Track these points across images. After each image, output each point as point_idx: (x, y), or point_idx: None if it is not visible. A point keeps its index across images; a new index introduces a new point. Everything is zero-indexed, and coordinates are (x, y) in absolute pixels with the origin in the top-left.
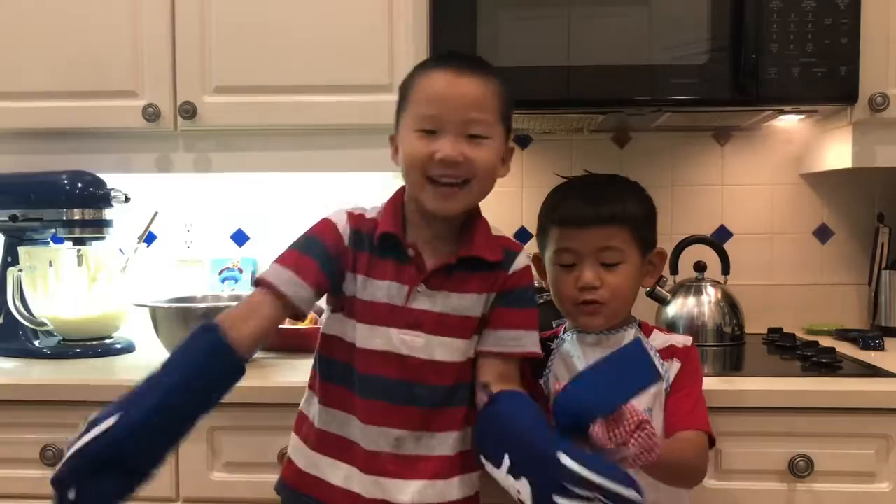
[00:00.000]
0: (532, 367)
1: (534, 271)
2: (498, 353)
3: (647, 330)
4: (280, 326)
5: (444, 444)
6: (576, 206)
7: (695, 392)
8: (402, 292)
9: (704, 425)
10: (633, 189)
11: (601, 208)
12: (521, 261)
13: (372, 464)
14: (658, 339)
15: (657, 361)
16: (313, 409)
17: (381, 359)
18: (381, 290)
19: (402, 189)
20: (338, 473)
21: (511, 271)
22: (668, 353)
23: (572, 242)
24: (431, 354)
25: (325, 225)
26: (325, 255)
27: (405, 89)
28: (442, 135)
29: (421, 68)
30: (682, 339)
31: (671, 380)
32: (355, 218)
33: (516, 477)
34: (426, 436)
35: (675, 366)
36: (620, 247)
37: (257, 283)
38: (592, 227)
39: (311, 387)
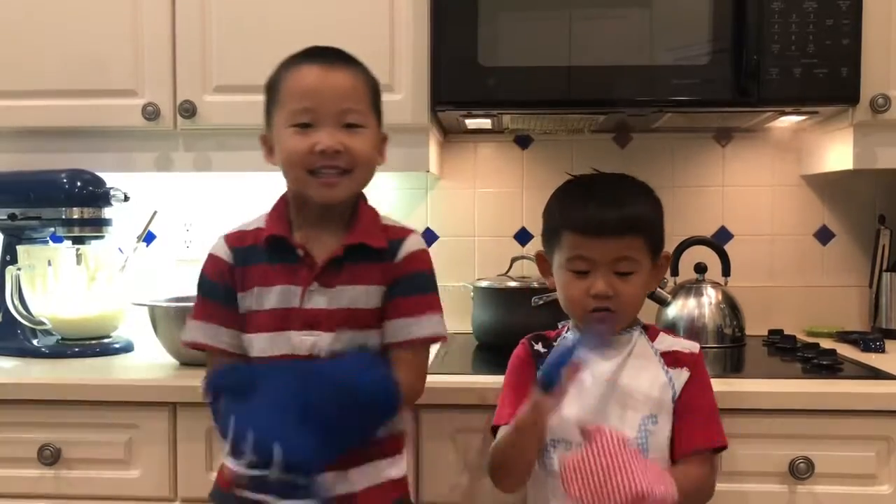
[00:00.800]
0: (533, 362)
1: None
2: (395, 344)
3: (653, 333)
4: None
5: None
6: (592, 213)
7: (707, 404)
8: (296, 294)
9: (719, 438)
10: (645, 192)
11: (619, 217)
12: (409, 245)
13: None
14: (664, 343)
15: (660, 366)
16: None
17: (281, 363)
18: (276, 296)
19: (283, 196)
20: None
21: (397, 259)
22: (674, 359)
23: (587, 251)
24: (333, 351)
25: (208, 259)
26: (221, 291)
27: (274, 86)
28: (318, 127)
29: (288, 64)
30: (688, 345)
31: (679, 389)
32: (232, 238)
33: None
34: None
35: (683, 374)
36: (635, 256)
37: (193, 346)
38: (610, 236)
39: None
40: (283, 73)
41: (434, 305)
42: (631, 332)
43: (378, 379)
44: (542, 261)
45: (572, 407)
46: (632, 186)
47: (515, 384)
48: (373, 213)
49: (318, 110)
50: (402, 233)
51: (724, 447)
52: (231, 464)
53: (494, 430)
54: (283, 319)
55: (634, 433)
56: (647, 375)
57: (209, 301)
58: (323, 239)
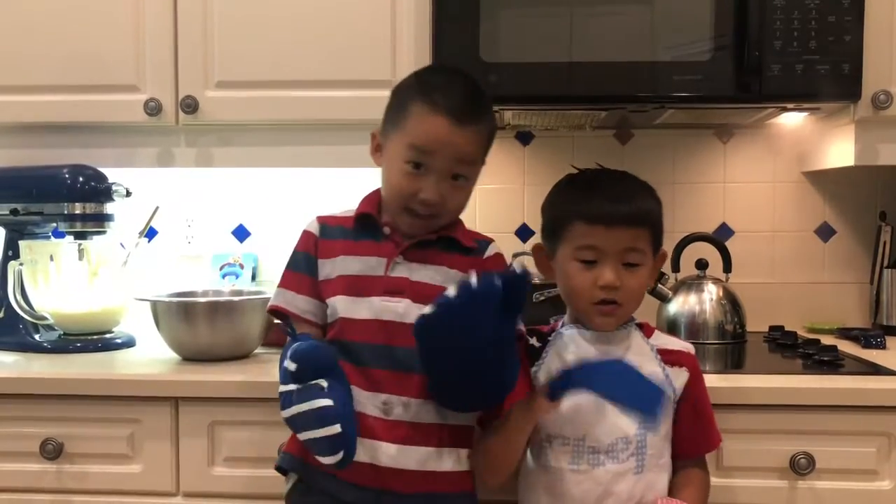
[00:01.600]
0: (528, 358)
1: (508, 262)
2: None
3: (648, 330)
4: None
5: (431, 413)
6: (605, 203)
7: (707, 408)
8: (381, 264)
9: (718, 440)
10: (649, 188)
11: (630, 209)
12: (494, 248)
13: (364, 427)
14: (659, 340)
15: (657, 363)
16: None
17: (363, 326)
18: (360, 264)
19: (377, 190)
20: None
21: (486, 256)
22: (674, 358)
23: (598, 240)
24: (412, 319)
25: (301, 235)
26: (304, 261)
27: (402, 108)
28: (428, 173)
29: (423, 100)
30: (684, 345)
31: (679, 388)
32: (323, 217)
33: None
34: (414, 403)
35: (682, 374)
36: (643, 248)
37: (272, 311)
38: (621, 226)
39: None
40: (414, 105)
41: None
42: (627, 328)
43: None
44: (540, 252)
45: (568, 403)
46: (636, 182)
47: None
48: (464, 227)
49: (434, 160)
50: (486, 238)
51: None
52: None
53: (481, 422)
54: (366, 285)
55: (634, 430)
56: (644, 372)
57: (290, 271)
58: (410, 228)
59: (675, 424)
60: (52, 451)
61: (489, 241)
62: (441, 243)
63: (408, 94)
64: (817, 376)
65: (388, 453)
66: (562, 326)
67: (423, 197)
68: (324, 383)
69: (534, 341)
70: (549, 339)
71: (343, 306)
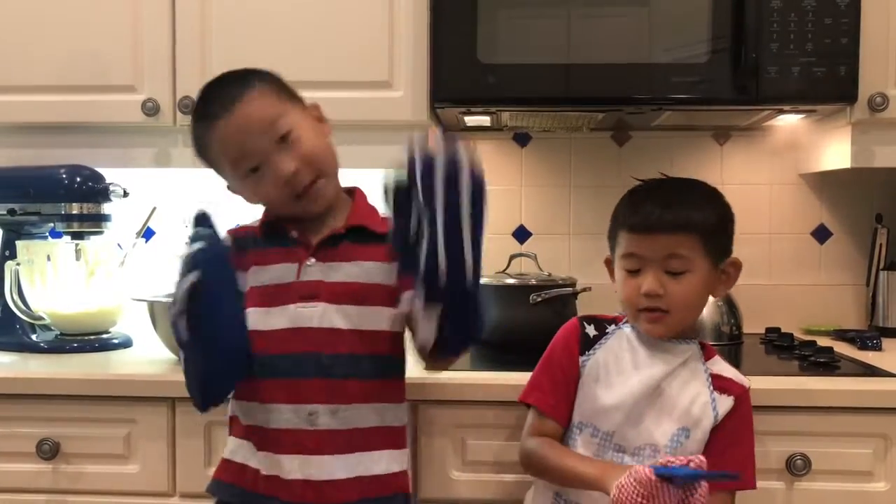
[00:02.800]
0: (579, 343)
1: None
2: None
3: (709, 353)
4: None
5: (362, 417)
6: (644, 212)
7: (749, 442)
8: (292, 270)
9: (752, 481)
10: (709, 195)
11: (667, 215)
12: None
13: (291, 443)
14: (716, 366)
15: (706, 385)
16: (235, 408)
17: (281, 336)
18: (272, 273)
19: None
20: (259, 459)
21: None
22: (725, 385)
23: (638, 248)
24: (331, 322)
25: None
26: None
27: (203, 152)
28: (265, 161)
29: (202, 124)
30: (740, 377)
31: (721, 414)
32: (233, 230)
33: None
34: (342, 409)
35: (726, 401)
36: (687, 255)
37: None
38: (658, 233)
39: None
40: (203, 137)
41: None
42: (689, 344)
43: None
44: (609, 264)
45: (610, 398)
46: (695, 189)
47: (555, 364)
48: (364, 195)
49: (252, 151)
50: None
51: (751, 488)
52: None
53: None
54: (280, 294)
55: (666, 441)
56: (691, 391)
57: None
58: (316, 225)
59: (707, 452)
60: (48, 451)
61: None
62: (352, 236)
63: (196, 134)
64: (813, 378)
65: (319, 465)
66: (625, 322)
67: (283, 176)
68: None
69: (590, 329)
70: (608, 331)
71: (256, 319)
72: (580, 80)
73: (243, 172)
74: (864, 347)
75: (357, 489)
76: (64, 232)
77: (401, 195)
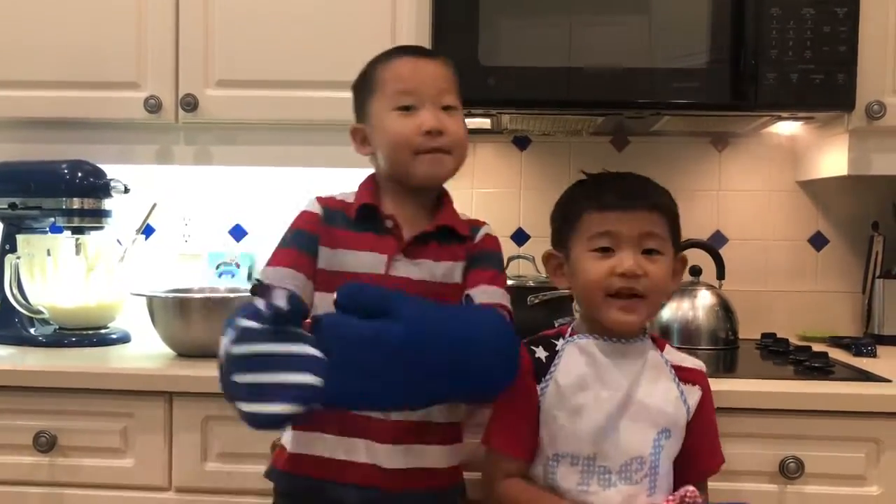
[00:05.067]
0: (533, 372)
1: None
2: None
3: (660, 345)
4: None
5: (431, 411)
6: (618, 191)
7: (714, 429)
8: (381, 261)
9: (720, 461)
10: (663, 188)
11: (646, 194)
12: (486, 230)
13: (364, 430)
14: (672, 356)
15: (672, 379)
16: None
17: None
18: (360, 260)
19: (371, 176)
20: (332, 446)
21: (476, 239)
22: (688, 376)
23: (613, 225)
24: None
25: (300, 214)
26: (305, 239)
27: (368, 79)
28: (420, 109)
29: (380, 60)
30: (697, 363)
31: (693, 407)
32: (324, 199)
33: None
34: None
35: (695, 392)
36: (662, 235)
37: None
38: (637, 210)
39: None
40: (377, 67)
41: (505, 283)
42: (644, 341)
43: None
44: (551, 259)
45: (581, 421)
46: (649, 181)
47: (513, 399)
48: (451, 200)
49: (419, 93)
50: (479, 223)
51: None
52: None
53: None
54: (368, 283)
55: (649, 449)
56: (661, 389)
57: (283, 249)
58: (411, 217)
59: (684, 444)
60: (45, 443)
61: (481, 225)
62: (439, 235)
63: (368, 71)
64: (807, 381)
65: (387, 453)
66: (570, 333)
67: (426, 126)
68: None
69: (540, 352)
70: (558, 348)
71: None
72: (580, 83)
73: (397, 105)
74: (858, 354)
75: (421, 479)
76: (64, 227)
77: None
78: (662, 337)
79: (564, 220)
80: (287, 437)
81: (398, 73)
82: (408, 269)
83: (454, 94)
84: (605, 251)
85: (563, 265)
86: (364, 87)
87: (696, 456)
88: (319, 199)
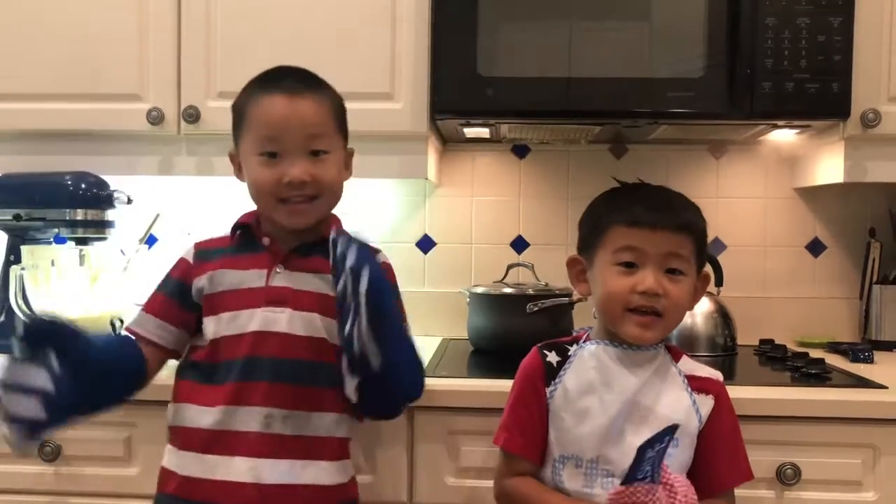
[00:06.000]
0: (543, 376)
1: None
2: None
3: (675, 353)
4: None
5: (316, 425)
6: (648, 207)
7: (735, 439)
8: (261, 276)
9: (749, 472)
10: (696, 206)
11: (676, 213)
12: (380, 258)
13: (244, 446)
14: (687, 366)
15: (684, 389)
16: (179, 415)
17: (246, 340)
18: (240, 277)
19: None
20: (207, 464)
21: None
22: (701, 385)
23: (639, 241)
24: (294, 329)
25: (177, 262)
26: (172, 285)
27: (240, 111)
28: (285, 157)
29: (254, 90)
30: (713, 373)
31: (704, 417)
32: (201, 243)
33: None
34: (294, 415)
35: (708, 402)
36: (687, 256)
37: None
38: (665, 230)
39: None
40: (249, 99)
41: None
42: (657, 349)
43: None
44: (575, 264)
45: (586, 424)
46: (682, 196)
47: (523, 401)
48: (339, 220)
49: (285, 140)
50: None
51: (750, 479)
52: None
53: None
54: (248, 298)
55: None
56: (670, 397)
57: (155, 293)
58: (290, 239)
59: (698, 455)
60: (50, 453)
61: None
62: (322, 249)
63: (242, 96)
64: (804, 388)
65: (271, 469)
66: (585, 339)
67: (289, 178)
68: (53, 358)
69: (552, 356)
70: (570, 354)
71: (224, 322)
72: (578, 93)
73: (261, 150)
74: (855, 360)
75: (308, 497)
76: (68, 237)
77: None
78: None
79: (593, 228)
80: (171, 460)
81: (266, 117)
82: (289, 280)
83: (327, 136)
84: (629, 266)
85: (587, 272)
86: (237, 117)
87: (710, 467)
88: (195, 244)
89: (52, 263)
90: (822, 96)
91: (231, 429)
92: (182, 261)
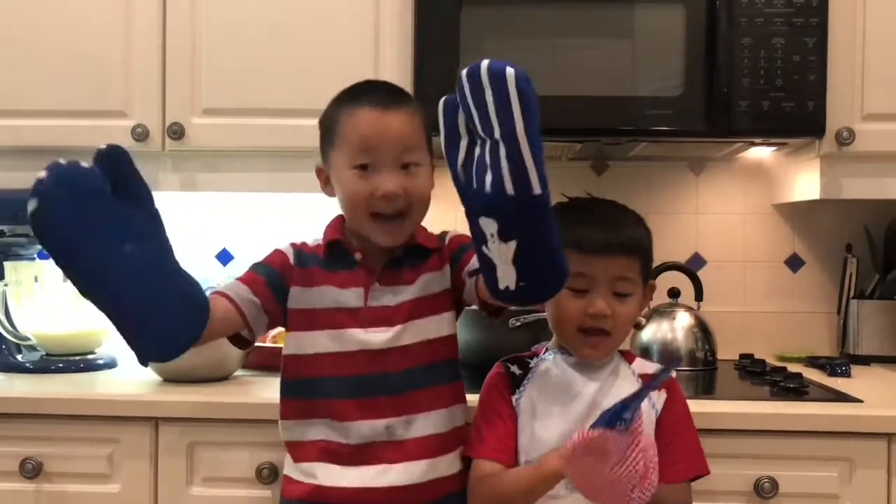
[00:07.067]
0: (508, 385)
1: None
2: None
3: (629, 357)
4: (259, 344)
5: (430, 424)
6: (596, 232)
7: (691, 430)
8: (359, 295)
9: (704, 465)
10: (639, 219)
11: (622, 237)
12: (451, 233)
13: (368, 455)
14: (640, 366)
15: (639, 387)
16: (297, 431)
17: (350, 359)
18: (339, 296)
19: (340, 216)
20: (347, 475)
21: (447, 242)
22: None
23: (588, 268)
24: (399, 341)
25: (272, 253)
26: (266, 269)
27: (330, 126)
28: (377, 170)
29: (344, 104)
30: (660, 366)
31: (659, 410)
32: (297, 245)
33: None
34: (413, 418)
35: (662, 396)
36: (634, 278)
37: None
38: (612, 255)
39: (284, 416)
40: (340, 114)
41: None
42: (611, 355)
43: None
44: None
45: (550, 430)
46: (628, 212)
47: (494, 409)
48: (422, 227)
49: (378, 153)
50: (443, 232)
51: (705, 475)
52: None
53: (467, 459)
54: (347, 318)
55: None
56: (625, 395)
57: (253, 273)
58: (377, 250)
59: (658, 446)
60: (31, 470)
61: (445, 233)
62: (409, 258)
63: (332, 111)
64: (782, 402)
65: (398, 472)
66: (545, 353)
67: (382, 192)
68: None
69: (515, 368)
70: (531, 366)
71: (321, 342)
72: (559, 111)
73: (355, 163)
74: (833, 374)
75: (430, 491)
76: None
77: (448, 118)
78: (643, 357)
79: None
80: (300, 470)
81: (358, 130)
82: (385, 297)
83: (418, 149)
84: (580, 291)
85: None
86: (326, 132)
87: (666, 458)
88: (292, 244)
89: (36, 279)
90: (797, 115)
91: (355, 442)
92: (280, 253)
